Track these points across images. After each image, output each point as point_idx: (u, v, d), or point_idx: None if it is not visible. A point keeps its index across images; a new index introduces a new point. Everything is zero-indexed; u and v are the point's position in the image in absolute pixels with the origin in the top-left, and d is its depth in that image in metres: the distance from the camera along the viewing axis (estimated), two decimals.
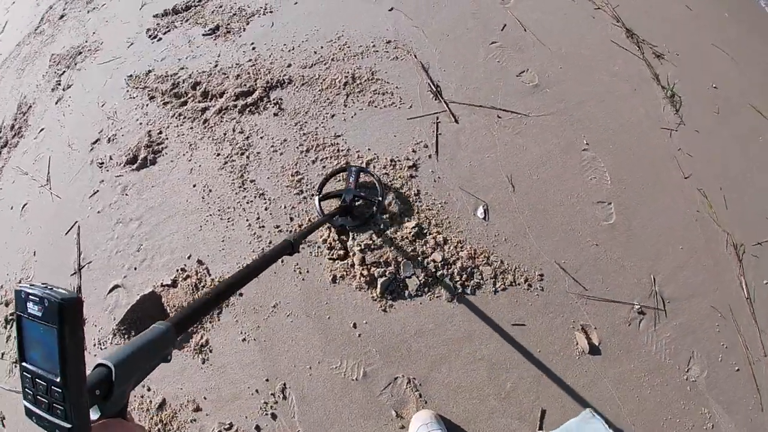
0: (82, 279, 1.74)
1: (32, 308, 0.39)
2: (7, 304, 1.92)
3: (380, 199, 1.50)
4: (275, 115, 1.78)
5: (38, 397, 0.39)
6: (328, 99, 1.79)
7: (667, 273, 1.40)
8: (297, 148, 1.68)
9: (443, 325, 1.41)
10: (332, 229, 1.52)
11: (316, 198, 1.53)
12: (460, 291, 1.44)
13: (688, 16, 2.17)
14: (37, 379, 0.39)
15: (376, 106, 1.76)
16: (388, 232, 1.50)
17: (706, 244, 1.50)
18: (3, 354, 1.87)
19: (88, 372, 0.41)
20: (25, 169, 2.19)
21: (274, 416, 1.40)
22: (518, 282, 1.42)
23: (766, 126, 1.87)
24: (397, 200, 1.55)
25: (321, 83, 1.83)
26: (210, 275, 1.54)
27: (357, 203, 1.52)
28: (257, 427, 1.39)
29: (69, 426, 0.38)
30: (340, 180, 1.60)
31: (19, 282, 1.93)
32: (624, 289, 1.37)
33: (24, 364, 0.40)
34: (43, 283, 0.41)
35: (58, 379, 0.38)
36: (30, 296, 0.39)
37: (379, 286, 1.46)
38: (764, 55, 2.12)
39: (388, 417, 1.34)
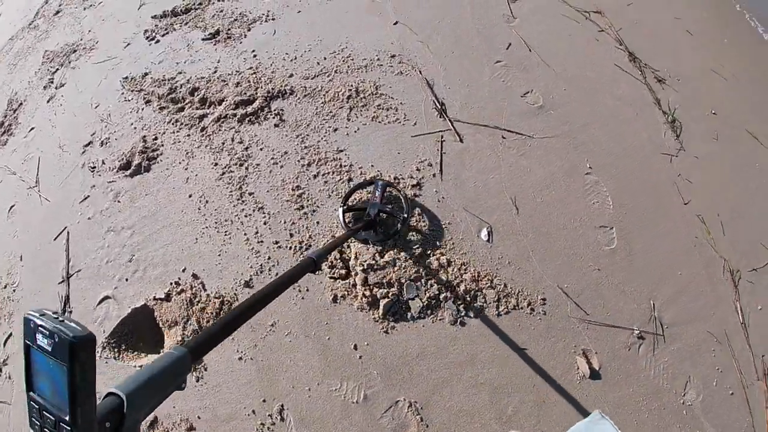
0: (70, 288, 1.67)
1: (41, 340, 0.37)
2: None
3: (406, 216, 1.48)
4: (276, 126, 1.74)
5: (45, 429, 0.38)
6: (330, 112, 1.76)
7: (667, 298, 1.41)
8: (298, 161, 1.65)
9: (445, 348, 1.39)
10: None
11: (341, 210, 1.49)
12: (463, 314, 1.43)
13: (689, 42, 2.20)
14: (44, 412, 0.38)
15: (379, 122, 1.74)
16: (391, 252, 1.48)
17: (705, 270, 1.52)
18: None
19: (98, 401, 0.39)
20: (13, 169, 2.11)
21: None
22: (521, 306, 1.41)
23: (763, 152, 1.90)
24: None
25: (324, 95, 1.80)
26: (205, 290, 1.49)
27: (382, 217, 1.48)
28: None
29: None
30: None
31: (5, 287, 1.86)
32: (624, 313, 1.38)
33: (32, 394, 0.39)
34: (54, 313, 0.39)
35: (67, 418, 0.36)
36: (40, 328, 0.37)
37: (381, 307, 1.43)
38: (762, 81, 2.16)
39: None
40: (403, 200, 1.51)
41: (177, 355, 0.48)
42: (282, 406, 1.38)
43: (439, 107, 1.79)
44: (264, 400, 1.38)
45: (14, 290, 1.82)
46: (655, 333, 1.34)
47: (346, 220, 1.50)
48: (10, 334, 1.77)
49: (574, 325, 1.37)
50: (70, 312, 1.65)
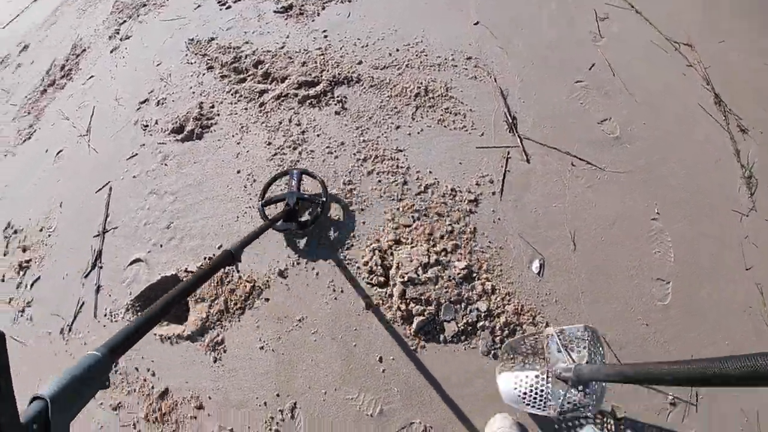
0: (104, 243, 1.67)
1: None
2: (24, 250, 1.87)
3: (324, 199, 1.43)
4: (337, 113, 1.67)
5: None
6: (395, 108, 1.67)
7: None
8: (354, 154, 1.57)
9: (473, 379, 1.30)
10: (375, 252, 1.41)
11: (259, 204, 1.48)
12: (497, 346, 1.33)
13: None
14: None
15: (445, 126, 1.63)
16: (435, 269, 1.38)
17: (753, 344, 1.36)
18: (11, 300, 1.82)
19: (25, 405, 0.39)
20: (67, 114, 2.13)
21: None
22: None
23: None
24: (449, 235, 1.43)
25: (391, 89, 1.71)
26: (238, 271, 1.45)
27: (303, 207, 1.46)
28: None
29: None
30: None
31: (41, 230, 1.88)
32: None
33: None
34: None
35: None
36: None
37: (415, 324, 1.34)
38: None
39: None
40: (320, 184, 1.46)
41: (97, 356, 0.49)
42: (295, 404, 1.32)
43: (510, 121, 1.67)
44: (278, 395, 1.33)
45: (49, 235, 1.83)
46: (688, 401, 1.23)
47: (267, 214, 1.47)
48: (39, 278, 1.78)
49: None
50: (101, 268, 1.64)
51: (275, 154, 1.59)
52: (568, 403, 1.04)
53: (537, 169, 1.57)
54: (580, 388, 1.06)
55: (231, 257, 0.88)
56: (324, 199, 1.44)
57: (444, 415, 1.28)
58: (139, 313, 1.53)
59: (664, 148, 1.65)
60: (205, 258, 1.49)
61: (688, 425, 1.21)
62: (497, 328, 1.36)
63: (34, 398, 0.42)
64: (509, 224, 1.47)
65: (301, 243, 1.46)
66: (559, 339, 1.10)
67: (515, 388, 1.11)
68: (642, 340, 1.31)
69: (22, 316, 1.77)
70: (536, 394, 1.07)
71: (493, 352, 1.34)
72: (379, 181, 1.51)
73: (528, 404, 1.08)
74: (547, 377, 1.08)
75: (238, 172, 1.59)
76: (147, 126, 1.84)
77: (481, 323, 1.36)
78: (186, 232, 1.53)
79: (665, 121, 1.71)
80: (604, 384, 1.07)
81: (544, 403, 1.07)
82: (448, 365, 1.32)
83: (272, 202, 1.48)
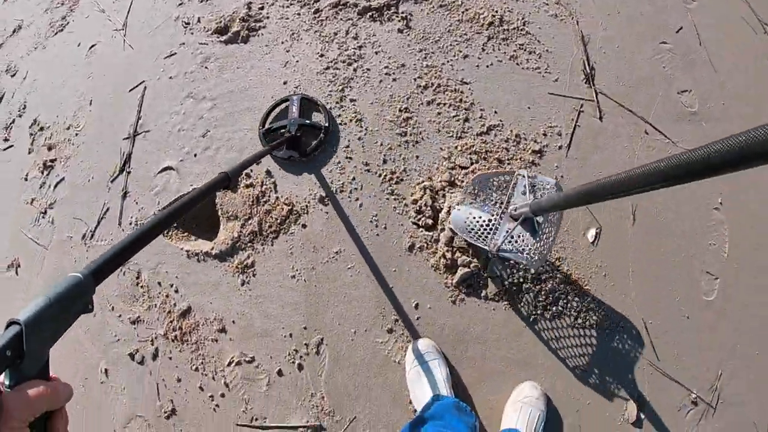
0: (134, 147, 1.56)
1: None
2: (49, 148, 1.79)
3: (327, 125, 1.33)
4: (400, 31, 1.46)
5: None
6: (465, 34, 1.45)
7: (734, 371, 1.22)
8: (414, 80, 1.38)
9: (508, 340, 1.21)
10: (426, 191, 1.27)
11: (260, 130, 1.38)
12: (539, 312, 1.23)
13: None
14: None
15: (517, 64, 1.42)
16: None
17: None
18: (33, 200, 1.76)
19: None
20: (103, 6, 1.96)
21: (300, 367, 1.25)
22: (600, 326, 1.22)
23: None
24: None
25: (462, 13, 1.48)
26: (276, 192, 1.33)
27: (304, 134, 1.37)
28: (279, 372, 1.25)
29: None
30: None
31: (68, 128, 1.78)
32: (691, 372, 1.21)
33: None
34: None
35: None
36: None
37: (458, 275, 1.23)
38: None
39: (413, 410, 1.19)
40: (321, 110, 1.36)
41: (78, 279, 0.46)
42: (322, 339, 1.25)
43: (588, 71, 1.45)
44: (305, 328, 1.26)
45: (77, 134, 1.74)
46: (709, 403, 1.18)
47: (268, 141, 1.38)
48: (63, 178, 1.71)
49: (641, 367, 1.21)
50: (129, 173, 1.55)
51: (327, 68, 1.41)
52: (510, 241, 1.06)
53: (608, 130, 1.39)
54: (527, 230, 1.07)
55: (227, 180, 0.84)
56: (327, 125, 1.33)
57: (473, 373, 1.21)
58: (168, 230, 1.46)
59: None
60: (242, 173, 1.38)
61: (704, 426, 1.18)
62: (541, 293, 1.25)
63: (10, 323, 0.38)
64: (572, 183, 1.31)
65: (347, 169, 1.33)
66: (529, 181, 1.09)
67: (466, 220, 1.11)
68: (680, 331, 1.22)
69: (43, 217, 1.72)
70: (484, 229, 1.09)
71: (533, 317, 1.24)
72: (439, 113, 1.34)
73: (473, 237, 1.10)
74: (501, 216, 1.09)
75: (285, 83, 1.43)
76: (188, 24, 1.66)
77: (526, 285, 1.24)
78: (223, 142, 1.41)
79: (745, 106, 1.47)
80: (551, 239, 1.07)
81: (489, 238, 1.08)
82: (485, 323, 1.23)
83: (273, 130, 1.38)
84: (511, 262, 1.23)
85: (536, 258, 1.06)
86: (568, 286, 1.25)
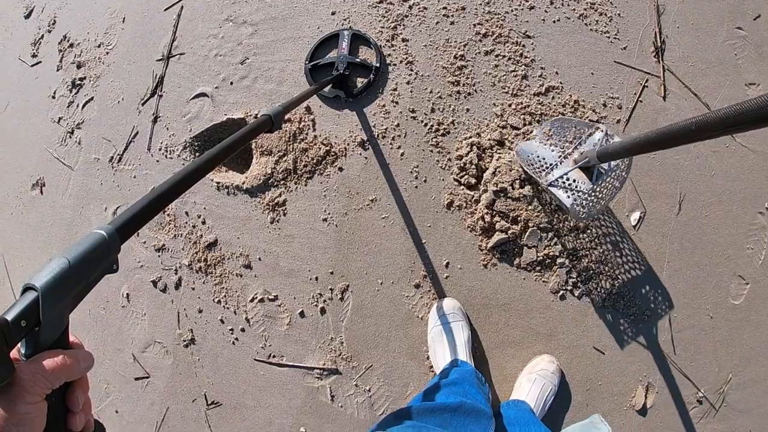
0: (167, 69, 1.49)
1: None
2: (79, 66, 1.72)
3: (378, 65, 1.25)
4: None
5: None
6: None
7: (744, 380, 1.21)
8: (473, 26, 1.27)
9: (533, 312, 1.20)
10: (473, 148, 1.20)
11: (305, 67, 1.30)
12: (569, 288, 1.20)
13: None
14: None
15: (586, 24, 1.30)
16: (534, 187, 1.18)
17: None
18: (60, 119, 1.72)
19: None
20: None
21: (323, 311, 1.24)
22: (626, 311, 1.19)
23: None
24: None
25: None
26: (314, 130, 1.27)
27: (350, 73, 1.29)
28: (302, 313, 1.25)
29: None
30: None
31: (98, 46, 1.71)
32: (703, 371, 1.21)
33: None
34: None
35: None
36: None
37: (494, 239, 1.19)
38: None
39: (429, 366, 1.20)
40: (373, 48, 1.27)
41: (102, 237, 0.40)
42: (347, 286, 1.23)
43: (659, 45, 1.33)
44: (332, 272, 1.24)
45: (107, 53, 1.67)
46: (712, 404, 1.19)
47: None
48: (92, 98, 1.66)
49: (657, 357, 1.21)
50: (161, 96, 1.49)
51: (381, 2, 1.29)
52: (563, 182, 1.02)
53: (670, 111, 1.29)
54: (583, 180, 1.02)
55: (270, 122, 0.78)
56: (377, 65, 1.25)
57: (493, 338, 1.21)
58: (194, 156, 1.42)
59: None
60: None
61: (703, 426, 1.20)
62: (575, 270, 1.21)
63: (26, 288, 0.34)
64: None
65: (392, 114, 1.25)
66: (607, 138, 1.04)
67: (531, 155, 1.09)
68: (700, 329, 1.20)
69: (70, 137, 1.69)
70: (543, 167, 1.07)
71: (562, 292, 1.21)
72: (496, 65, 1.24)
73: (530, 168, 1.09)
74: (564, 158, 1.06)
75: (333, 13, 1.32)
76: None
77: (561, 260, 1.20)
78: (262, 72, 1.33)
79: None
80: (607, 196, 1.03)
81: (545, 171, 1.06)
82: (513, 291, 1.20)
83: (321, 66, 1.30)
84: (556, 206, 1.17)
85: (581, 208, 1.01)
86: (602, 266, 1.21)
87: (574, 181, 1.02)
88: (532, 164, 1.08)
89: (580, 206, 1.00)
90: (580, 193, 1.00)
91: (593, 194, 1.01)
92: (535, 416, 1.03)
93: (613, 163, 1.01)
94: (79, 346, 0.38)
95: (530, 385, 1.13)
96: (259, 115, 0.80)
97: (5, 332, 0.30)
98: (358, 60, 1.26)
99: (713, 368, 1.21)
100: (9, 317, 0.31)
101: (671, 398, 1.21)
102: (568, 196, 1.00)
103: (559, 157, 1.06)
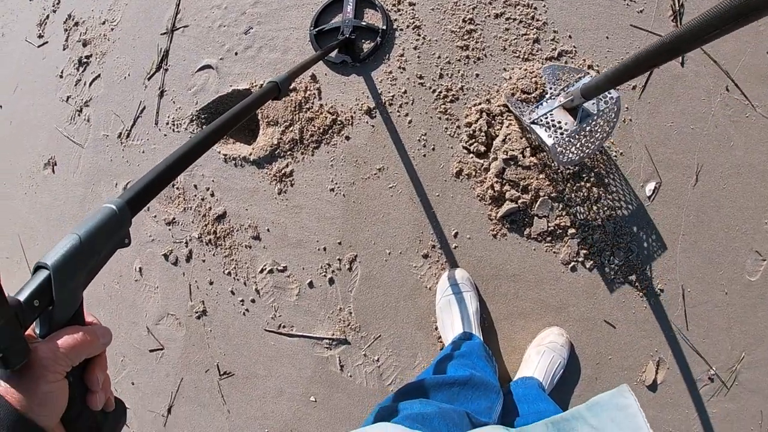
0: (171, 44, 1.48)
1: None
2: (84, 44, 1.72)
3: (384, 28, 1.22)
4: None
5: None
6: None
7: (757, 359, 1.18)
8: None
9: (543, 283, 1.18)
10: (483, 115, 1.17)
11: (310, 33, 1.28)
12: (581, 260, 1.18)
13: None
14: None
15: None
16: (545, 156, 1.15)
17: None
18: (69, 98, 1.73)
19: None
20: None
21: (331, 281, 1.25)
22: (637, 284, 1.17)
23: None
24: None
25: None
26: (320, 99, 1.25)
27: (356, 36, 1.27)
28: (311, 284, 1.26)
29: None
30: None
31: (103, 23, 1.70)
32: (715, 348, 1.18)
33: None
34: None
35: None
36: None
37: (504, 209, 1.17)
38: None
39: (437, 337, 1.19)
40: (379, 10, 1.24)
41: (113, 211, 0.39)
42: (355, 256, 1.23)
43: (677, 7, 1.27)
44: (340, 243, 1.24)
45: (112, 29, 1.66)
46: (724, 383, 1.17)
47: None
48: (99, 75, 1.66)
49: (669, 332, 1.18)
50: (166, 70, 1.48)
51: None
52: (547, 121, 1.01)
53: (688, 78, 1.23)
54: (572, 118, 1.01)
55: (277, 90, 0.77)
56: (384, 28, 1.22)
57: (503, 309, 1.20)
58: (200, 128, 1.42)
59: None
60: None
61: (713, 403, 1.18)
62: (587, 241, 1.18)
63: (37, 267, 0.33)
64: (639, 129, 1.19)
65: (399, 81, 1.23)
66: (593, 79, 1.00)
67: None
68: (714, 305, 1.18)
69: (79, 116, 1.70)
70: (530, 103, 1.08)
71: (573, 264, 1.19)
72: (507, 29, 1.20)
73: (514, 105, 1.09)
74: (551, 98, 1.04)
75: None
76: None
77: (572, 231, 1.18)
78: (266, 41, 1.31)
79: None
80: (595, 140, 1.01)
81: (528, 110, 1.05)
82: (523, 262, 1.18)
83: (326, 32, 1.27)
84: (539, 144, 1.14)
85: (562, 149, 0.99)
86: (615, 238, 1.18)
87: (559, 122, 1.00)
88: (518, 106, 1.08)
89: (562, 147, 0.99)
90: (564, 133, 0.98)
91: (577, 136, 0.99)
92: (543, 392, 1.03)
93: (601, 104, 0.99)
94: (96, 324, 0.37)
95: (539, 357, 1.13)
96: (264, 84, 0.78)
97: (18, 313, 0.30)
98: (363, 24, 1.23)
99: (726, 346, 1.19)
100: (21, 297, 0.31)
101: (682, 375, 1.20)
102: (550, 136, 0.99)
103: (546, 99, 1.05)
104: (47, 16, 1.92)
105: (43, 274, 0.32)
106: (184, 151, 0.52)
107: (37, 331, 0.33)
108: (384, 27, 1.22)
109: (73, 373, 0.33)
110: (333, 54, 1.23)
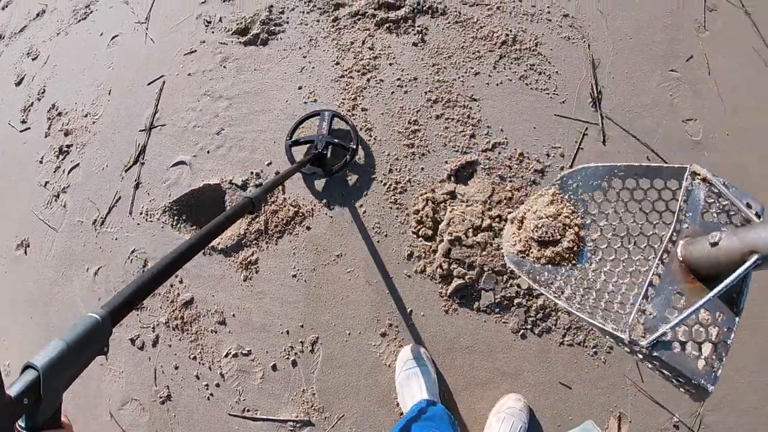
0: (149, 139, 1.61)
1: None
2: (66, 134, 1.83)
3: (354, 147, 1.33)
4: (414, 45, 1.50)
5: None
6: (478, 52, 1.49)
7: (718, 398, 1.22)
8: (425, 93, 1.43)
9: (497, 352, 1.25)
10: (428, 202, 1.31)
11: (286, 143, 1.38)
12: (528, 327, 1.27)
13: None
14: None
15: (527, 84, 1.46)
16: (486, 234, 1.28)
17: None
18: (47, 183, 1.81)
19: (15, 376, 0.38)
20: None
21: (294, 363, 1.29)
22: (587, 344, 1.24)
23: None
24: (507, 202, 1.32)
25: (477, 30, 1.52)
26: (284, 193, 1.38)
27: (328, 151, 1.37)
28: (274, 366, 1.30)
29: None
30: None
31: (86, 116, 1.83)
32: (675, 395, 1.21)
33: None
34: None
35: None
36: None
37: (452, 285, 1.27)
38: None
39: (399, 413, 1.23)
40: (351, 130, 1.35)
41: (95, 321, 0.45)
42: (317, 338, 1.29)
43: (596, 95, 1.49)
44: (302, 326, 1.30)
45: (94, 122, 1.79)
46: (690, 429, 1.19)
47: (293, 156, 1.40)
48: (78, 164, 1.76)
49: (625, 386, 1.23)
50: (143, 164, 1.60)
51: (342, 76, 1.45)
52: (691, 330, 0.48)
53: (611, 154, 1.42)
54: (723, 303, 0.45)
55: (251, 205, 0.82)
56: (354, 146, 1.33)
57: (460, 381, 1.25)
58: (172, 220, 1.50)
59: (738, 170, 1.44)
60: (252, 173, 1.42)
61: None
62: (532, 309, 1.28)
63: (26, 367, 0.38)
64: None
65: (353, 179, 1.37)
66: (712, 190, 0.53)
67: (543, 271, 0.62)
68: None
69: (56, 201, 1.77)
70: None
71: (522, 331, 1.28)
72: (446, 128, 1.38)
73: (537, 273, 0.63)
74: (660, 263, 0.44)
75: (300, 88, 1.47)
76: (210, 22, 1.70)
77: (518, 300, 1.28)
78: (236, 142, 1.45)
79: (748, 140, 1.49)
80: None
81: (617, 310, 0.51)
82: (475, 334, 1.26)
83: (300, 143, 1.39)
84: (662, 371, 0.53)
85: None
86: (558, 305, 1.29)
87: (707, 320, 0.47)
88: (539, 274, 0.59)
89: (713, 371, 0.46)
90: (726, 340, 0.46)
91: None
92: None
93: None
94: (68, 427, 0.42)
95: (500, 424, 1.17)
96: (239, 200, 0.83)
97: (9, 408, 0.34)
98: (336, 141, 1.33)
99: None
100: (12, 393, 0.35)
101: (646, 427, 1.21)
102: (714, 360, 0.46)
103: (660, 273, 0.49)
104: (32, 104, 2.04)
105: (32, 374, 0.37)
106: (160, 267, 0.57)
107: (22, 425, 0.37)
108: (354, 146, 1.34)
109: None
110: (306, 167, 1.33)
